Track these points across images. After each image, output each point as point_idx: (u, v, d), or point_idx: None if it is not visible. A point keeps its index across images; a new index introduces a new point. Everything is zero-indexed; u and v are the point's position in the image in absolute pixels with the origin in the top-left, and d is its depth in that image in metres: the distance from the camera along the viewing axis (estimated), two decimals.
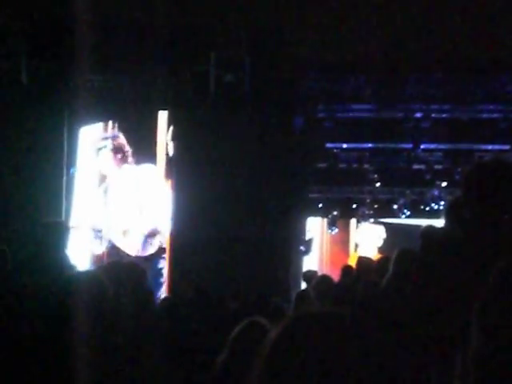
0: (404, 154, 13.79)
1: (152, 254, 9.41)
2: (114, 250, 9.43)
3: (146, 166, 9.81)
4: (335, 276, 8.41)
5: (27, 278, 4.79)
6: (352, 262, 12.02)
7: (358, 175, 14.82)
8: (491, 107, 12.12)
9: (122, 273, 4.40)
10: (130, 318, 4.10)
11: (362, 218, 18.02)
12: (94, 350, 3.17)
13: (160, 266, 9.55)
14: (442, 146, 13.62)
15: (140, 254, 9.36)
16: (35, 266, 5.06)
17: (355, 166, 14.39)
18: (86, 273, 4.57)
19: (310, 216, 16.69)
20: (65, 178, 10.49)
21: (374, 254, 15.17)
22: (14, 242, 7.16)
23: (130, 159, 9.63)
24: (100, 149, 9.61)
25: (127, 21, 10.81)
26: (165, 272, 9.75)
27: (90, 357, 3.13)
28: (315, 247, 18.35)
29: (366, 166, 14.56)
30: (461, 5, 10.37)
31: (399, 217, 16.41)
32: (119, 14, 10.77)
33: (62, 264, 5.19)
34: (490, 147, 12.84)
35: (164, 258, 9.72)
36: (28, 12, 10.45)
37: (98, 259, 9.53)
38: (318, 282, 7.35)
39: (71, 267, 5.30)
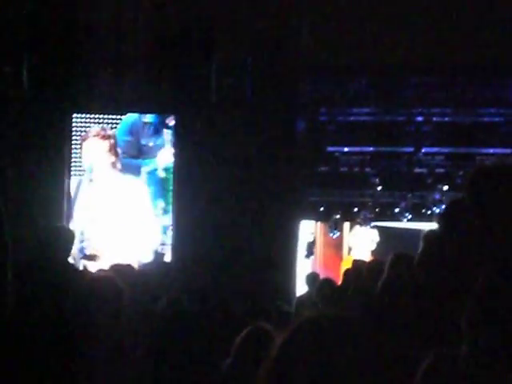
0: (405, 158, 13.78)
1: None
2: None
3: (132, 180, 9.97)
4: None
5: (30, 281, 4.79)
6: (346, 265, 12.01)
7: (359, 179, 14.80)
8: (493, 111, 12.13)
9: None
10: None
11: (363, 222, 18.00)
12: (108, 352, 3.19)
13: None
14: (443, 150, 13.61)
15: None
16: (39, 269, 5.07)
17: (356, 169, 14.37)
18: (101, 276, 4.58)
19: (311, 220, 16.69)
20: (66, 181, 10.48)
21: (367, 257, 15.14)
22: (17, 244, 7.16)
23: (119, 164, 9.79)
24: (97, 150, 9.71)
25: (128, 23, 10.83)
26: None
27: (100, 359, 3.14)
28: None
29: (367, 169, 14.55)
30: (463, 9, 10.39)
31: (401, 220, 16.40)
32: (120, 17, 10.79)
33: (67, 268, 5.20)
34: (491, 151, 12.84)
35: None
36: (29, 14, 10.46)
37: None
38: (321, 285, 7.34)
39: (76, 271, 5.30)
